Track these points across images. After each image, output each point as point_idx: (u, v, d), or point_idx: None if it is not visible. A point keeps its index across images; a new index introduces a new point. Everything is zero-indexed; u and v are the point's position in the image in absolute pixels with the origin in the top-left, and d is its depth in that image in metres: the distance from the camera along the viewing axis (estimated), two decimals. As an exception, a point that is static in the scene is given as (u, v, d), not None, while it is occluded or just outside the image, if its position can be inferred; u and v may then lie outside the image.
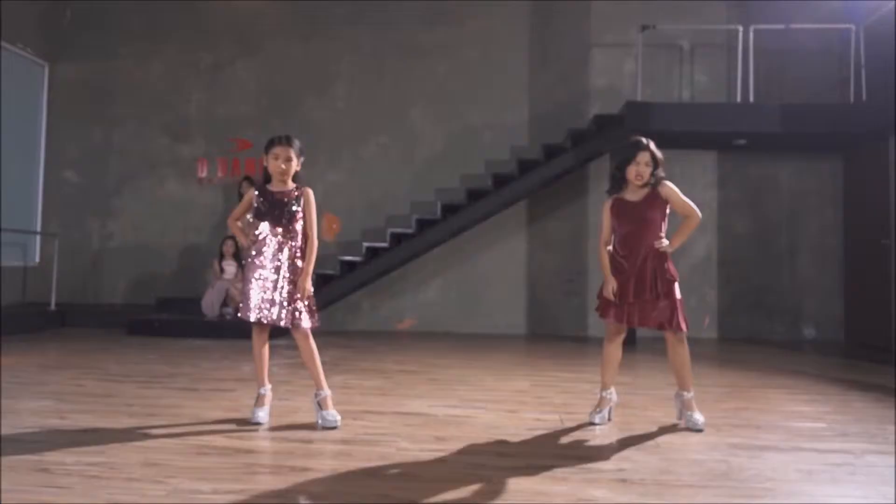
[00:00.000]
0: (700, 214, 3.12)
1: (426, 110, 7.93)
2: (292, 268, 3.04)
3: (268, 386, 3.15)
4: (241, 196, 7.60)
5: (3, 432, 2.74)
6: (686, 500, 2.11)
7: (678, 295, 3.05)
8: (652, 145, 3.08)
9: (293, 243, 3.06)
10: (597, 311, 3.21)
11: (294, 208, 3.07)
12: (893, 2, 6.41)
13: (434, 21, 7.94)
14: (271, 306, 3.00)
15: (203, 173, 8.11)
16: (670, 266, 3.06)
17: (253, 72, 8.15)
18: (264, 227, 3.06)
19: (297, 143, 3.15)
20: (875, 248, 6.81)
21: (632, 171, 3.04)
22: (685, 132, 6.79)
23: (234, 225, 3.32)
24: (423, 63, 7.94)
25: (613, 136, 7.01)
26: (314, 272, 3.20)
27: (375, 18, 8.00)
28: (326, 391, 3.12)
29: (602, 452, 2.65)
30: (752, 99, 6.87)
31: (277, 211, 3.06)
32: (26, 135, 8.07)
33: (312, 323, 3.08)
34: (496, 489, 2.18)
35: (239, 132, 8.01)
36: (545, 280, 7.75)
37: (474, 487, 2.19)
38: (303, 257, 3.08)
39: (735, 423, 3.17)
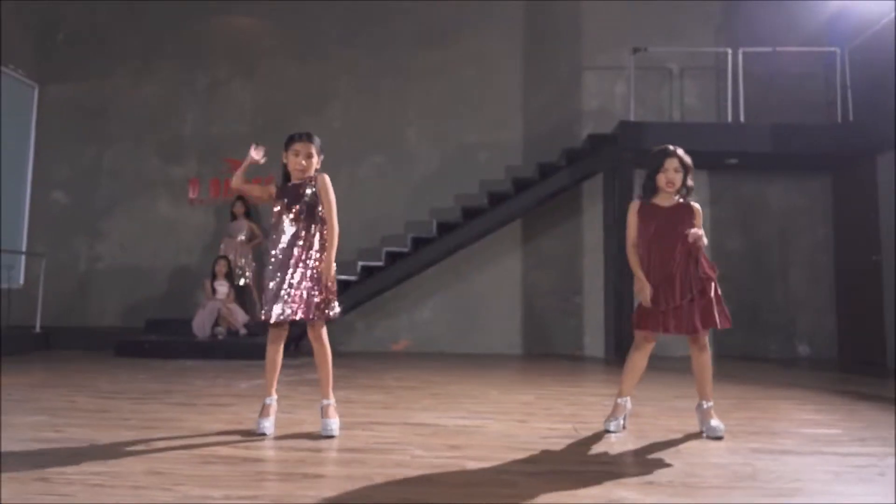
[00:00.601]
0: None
1: (422, 130, 7.96)
2: (316, 260, 2.96)
3: (274, 396, 3.05)
4: (233, 216, 7.54)
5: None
6: (717, 500, 2.05)
7: (713, 292, 2.96)
8: (680, 151, 3.05)
9: (315, 234, 2.98)
10: (634, 323, 3.08)
11: (310, 193, 2.99)
12: (876, 25, 6.59)
13: (430, 42, 8.03)
14: (293, 303, 2.91)
15: (194, 194, 8.03)
16: (705, 263, 2.98)
17: (248, 91, 8.15)
18: (285, 222, 2.99)
19: (317, 139, 3.10)
20: (866, 264, 6.89)
21: (662, 179, 3.00)
22: (678, 151, 6.86)
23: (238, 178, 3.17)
24: (418, 83, 8.00)
25: (607, 155, 7.09)
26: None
27: (371, 39, 8.07)
28: (331, 400, 3.03)
29: (623, 458, 2.59)
30: (742, 119, 6.98)
31: (295, 205, 2.99)
32: (14, 155, 7.95)
33: (337, 314, 2.99)
34: (523, 493, 2.10)
35: (233, 152, 7.95)
36: (541, 299, 7.72)
37: (501, 491, 2.11)
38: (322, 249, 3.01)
39: (751, 431, 3.12)
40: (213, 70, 8.19)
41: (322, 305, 2.94)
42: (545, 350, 7.56)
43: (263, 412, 2.99)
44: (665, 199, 3.05)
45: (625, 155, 6.86)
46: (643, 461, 2.53)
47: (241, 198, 7.49)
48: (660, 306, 2.95)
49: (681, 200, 3.06)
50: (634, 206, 3.10)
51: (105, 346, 6.75)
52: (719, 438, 2.91)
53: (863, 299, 6.95)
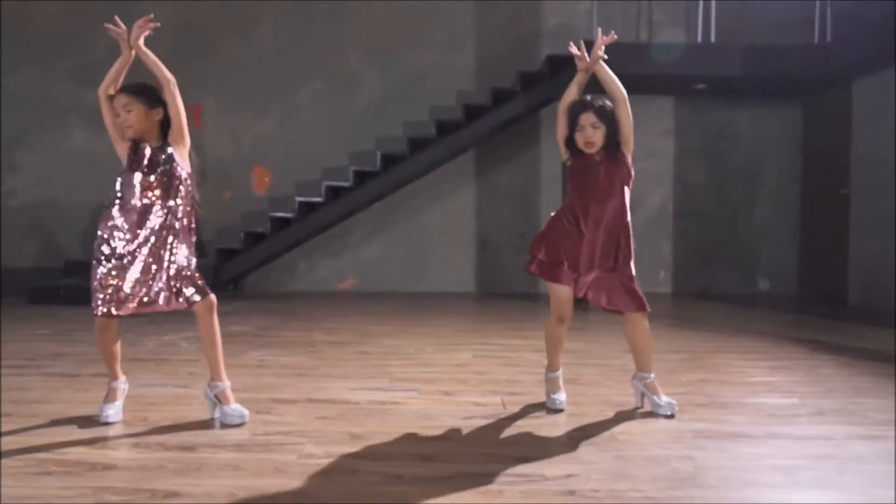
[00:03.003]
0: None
1: (364, 52, 7.20)
2: (180, 234, 2.46)
3: (121, 378, 2.58)
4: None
5: None
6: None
7: (633, 271, 2.59)
8: (600, 102, 2.53)
9: (175, 202, 2.45)
10: (530, 271, 2.65)
11: (170, 155, 2.46)
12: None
13: (371, -51, 7.15)
14: (145, 289, 2.42)
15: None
16: (632, 239, 2.59)
17: (165, 6, 7.22)
18: (133, 191, 2.44)
19: (145, 88, 2.52)
20: (833, 197, 6.56)
21: (580, 139, 2.51)
22: (643, 75, 6.30)
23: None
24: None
25: (567, 78, 6.48)
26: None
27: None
28: (226, 382, 2.58)
29: (548, 450, 2.22)
30: (713, 39, 6.41)
31: (147, 162, 2.45)
32: None
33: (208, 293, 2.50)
34: (412, 515, 1.72)
35: (152, 74, 7.14)
36: (496, 236, 7.30)
37: (384, 514, 1.73)
38: (191, 223, 2.49)
39: (698, 402, 2.79)
40: (125, -20, 7.20)
41: (187, 290, 2.45)
42: (499, 289, 7.21)
43: (109, 396, 2.54)
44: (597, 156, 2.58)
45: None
46: (570, 457, 2.16)
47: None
48: (578, 268, 2.55)
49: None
50: (570, 165, 2.63)
51: (20, 292, 6.19)
52: (670, 417, 2.56)
53: (827, 235, 6.67)
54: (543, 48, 7.07)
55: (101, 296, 2.39)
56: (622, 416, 2.59)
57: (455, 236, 7.27)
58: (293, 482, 1.93)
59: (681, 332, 4.73)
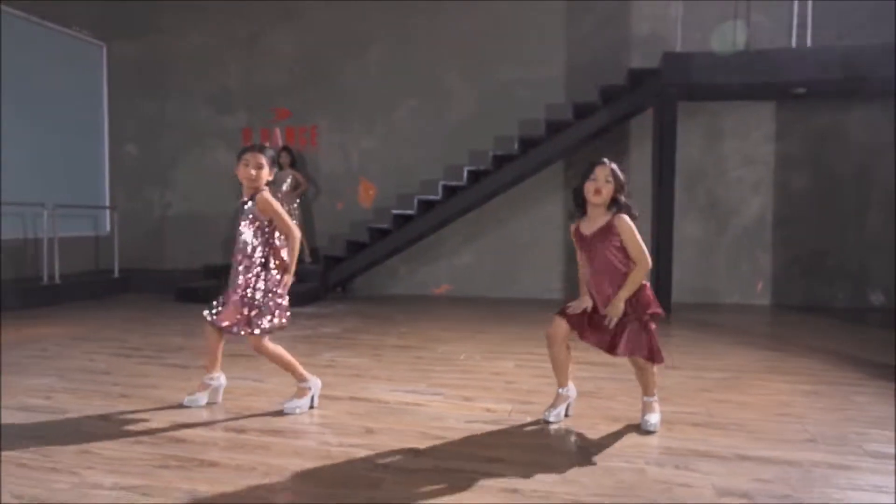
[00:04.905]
0: (650, 263, 2.78)
1: (458, 69, 7.71)
2: (254, 269, 3.07)
3: (214, 374, 3.25)
4: (280, 166, 7.83)
5: (-12, 412, 3.04)
6: (562, 520, 2.02)
7: (650, 328, 2.81)
8: (613, 165, 2.82)
9: (256, 250, 3.06)
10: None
11: (250, 208, 3.08)
12: None
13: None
14: (223, 309, 3.09)
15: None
16: (650, 297, 2.80)
17: (289, 39, 8.22)
18: (240, 228, 3.13)
19: (269, 152, 3.16)
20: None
21: (590, 187, 2.80)
22: (733, 84, 6.20)
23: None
24: (452, 18, 7.68)
25: (652, 90, 6.53)
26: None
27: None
28: (305, 381, 3.17)
29: (519, 455, 2.57)
30: (809, 42, 6.13)
31: (242, 215, 3.12)
32: (91, 112, 8.66)
33: (268, 325, 3.07)
34: (377, 495, 2.17)
35: (277, 101, 8.18)
36: (582, 244, 7.48)
37: (354, 493, 2.20)
38: (267, 263, 3.09)
39: (695, 422, 2.96)
40: (253, 18, 8.30)
41: (249, 321, 3.05)
42: (586, 296, 7.38)
43: (199, 387, 3.23)
44: (591, 221, 2.85)
45: (668, 90, 6.30)
46: (530, 461, 2.49)
47: (286, 148, 7.76)
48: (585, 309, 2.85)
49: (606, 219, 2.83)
50: (572, 228, 2.95)
51: (171, 291, 7.43)
52: (650, 433, 2.80)
53: (949, 246, 6.11)
54: (632, 57, 7.14)
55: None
56: (611, 431, 2.84)
57: (544, 245, 7.55)
58: (302, 462, 2.47)
59: (744, 347, 4.71)
